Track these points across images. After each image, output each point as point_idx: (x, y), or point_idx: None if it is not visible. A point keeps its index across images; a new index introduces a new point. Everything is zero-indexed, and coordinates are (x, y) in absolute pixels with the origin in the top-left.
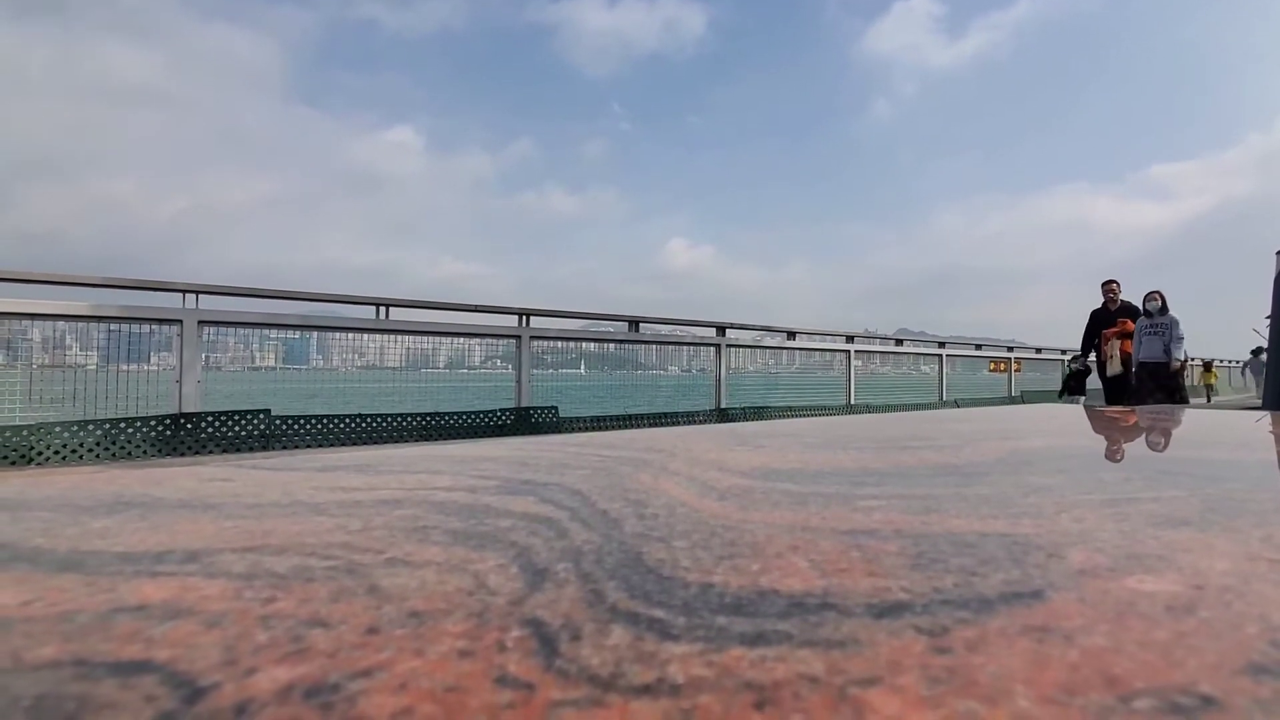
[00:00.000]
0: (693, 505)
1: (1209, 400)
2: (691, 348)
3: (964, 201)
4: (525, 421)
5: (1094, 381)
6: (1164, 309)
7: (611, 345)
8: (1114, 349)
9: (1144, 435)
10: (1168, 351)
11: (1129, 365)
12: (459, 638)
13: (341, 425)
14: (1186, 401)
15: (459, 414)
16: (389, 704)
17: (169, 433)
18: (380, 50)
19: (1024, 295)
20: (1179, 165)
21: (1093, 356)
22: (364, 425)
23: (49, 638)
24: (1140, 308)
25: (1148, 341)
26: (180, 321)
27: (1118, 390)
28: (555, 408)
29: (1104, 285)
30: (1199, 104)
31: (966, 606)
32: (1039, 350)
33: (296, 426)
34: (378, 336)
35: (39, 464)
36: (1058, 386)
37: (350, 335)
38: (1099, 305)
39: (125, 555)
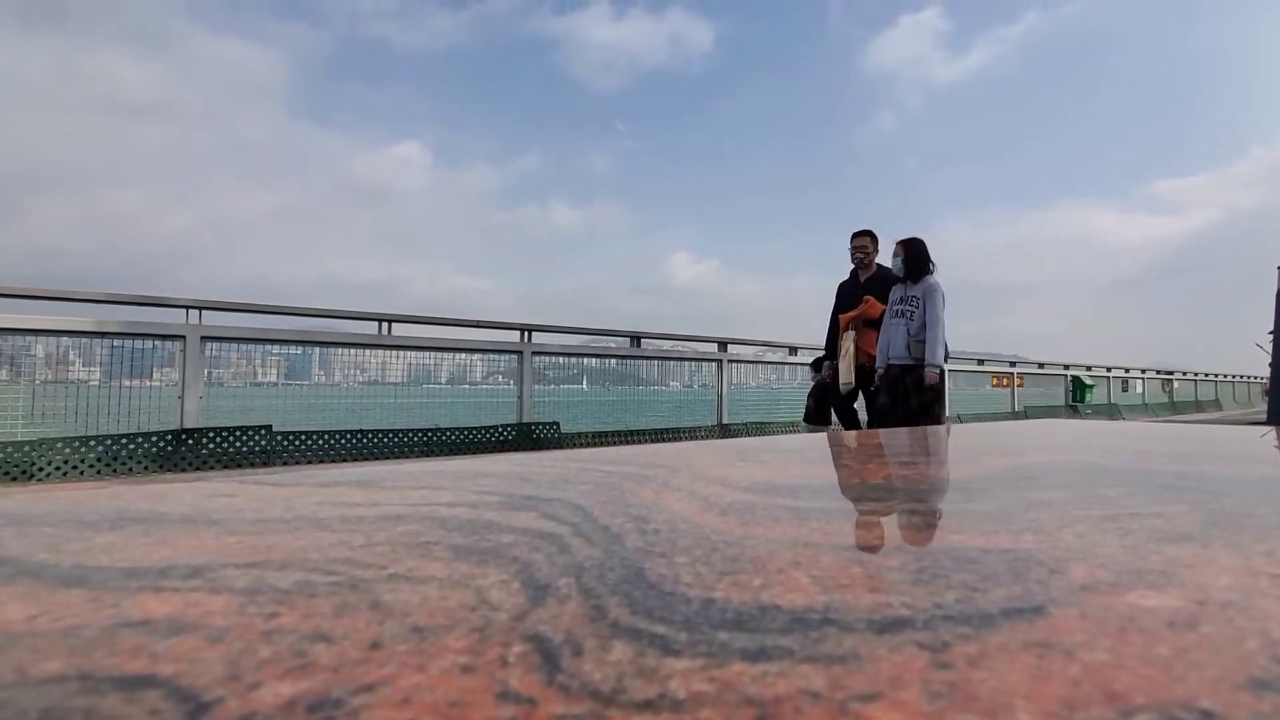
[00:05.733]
0: (695, 521)
1: None
2: (693, 363)
3: (968, 214)
4: (527, 437)
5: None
6: (920, 269)
7: (613, 361)
8: (848, 345)
9: (1146, 450)
10: (910, 347)
11: (870, 374)
12: (461, 653)
13: (343, 441)
14: (939, 422)
15: (461, 429)
16: (391, 718)
17: (170, 448)
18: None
19: (1027, 309)
20: (1183, 180)
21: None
22: (366, 441)
23: (54, 652)
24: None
25: (891, 329)
26: (183, 337)
27: (855, 415)
28: (557, 423)
29: (852, 239)
30: (1203, 119)
31: (968, 622)
32: (1041, 365)
33: (298, 442)
34: (379, 352)
35: (40, 480)
36: (1060, 401)
37: (352, 350)
38: (848, 275)
39: (129, 570)
